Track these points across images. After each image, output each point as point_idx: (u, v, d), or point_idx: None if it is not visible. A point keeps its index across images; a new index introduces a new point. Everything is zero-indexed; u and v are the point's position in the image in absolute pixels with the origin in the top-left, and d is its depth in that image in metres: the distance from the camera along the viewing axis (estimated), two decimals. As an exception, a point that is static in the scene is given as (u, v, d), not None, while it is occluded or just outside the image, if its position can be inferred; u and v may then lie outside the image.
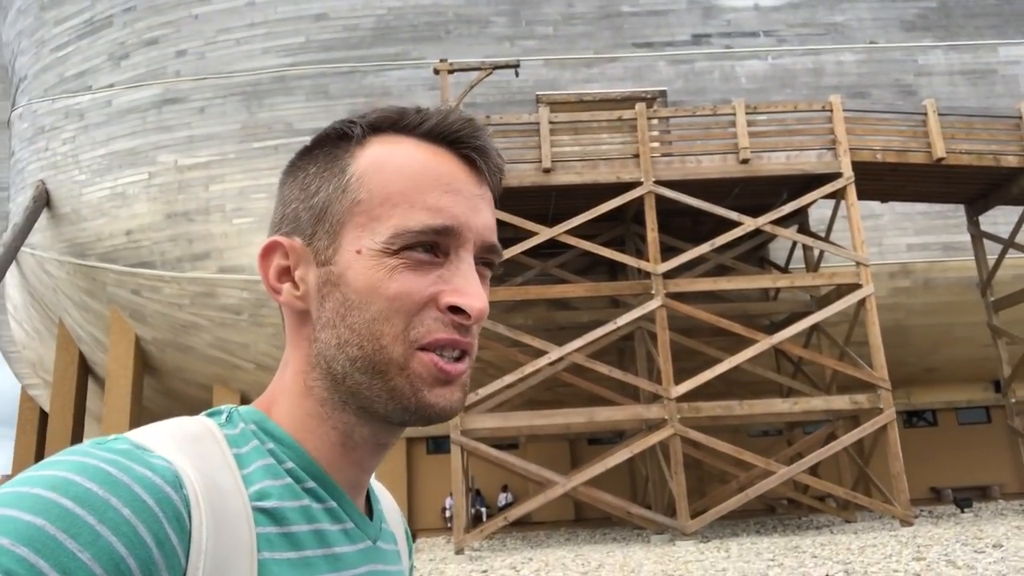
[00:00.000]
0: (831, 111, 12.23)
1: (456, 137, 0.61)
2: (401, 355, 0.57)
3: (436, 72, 12.22)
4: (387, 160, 0.59)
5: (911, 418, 18.66)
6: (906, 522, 10.85)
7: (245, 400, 17.31)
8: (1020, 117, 12.42)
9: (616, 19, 16.75)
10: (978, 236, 13.63)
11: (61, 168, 17.16)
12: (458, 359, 0.59)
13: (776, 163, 12.22)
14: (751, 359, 13.47)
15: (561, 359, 11.81)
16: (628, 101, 15.20)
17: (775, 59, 16.49)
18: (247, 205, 15.78)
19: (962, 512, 13.39)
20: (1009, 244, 12.77)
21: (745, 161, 12.12)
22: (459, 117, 0.62)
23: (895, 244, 15.60)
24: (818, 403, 11.45)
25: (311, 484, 0.58)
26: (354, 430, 0.60)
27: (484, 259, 0.62)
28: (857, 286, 11.73)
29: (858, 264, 11.77)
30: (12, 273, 18.87)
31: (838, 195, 12.21)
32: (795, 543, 10.06)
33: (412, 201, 0.58)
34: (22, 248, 17.09)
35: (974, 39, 16.68)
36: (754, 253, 15.33)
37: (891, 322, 15.90)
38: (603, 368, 11.40)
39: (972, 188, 13.30)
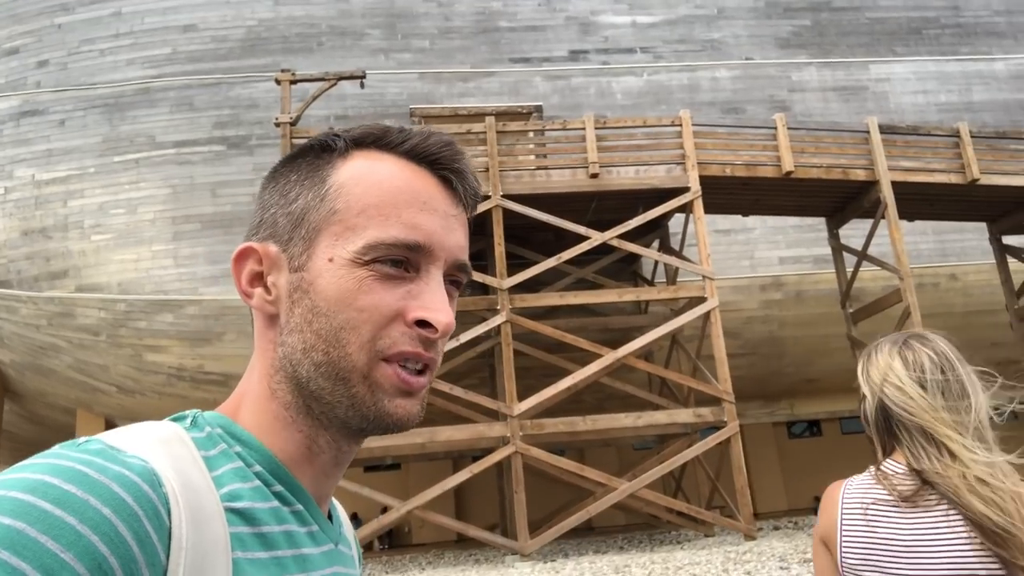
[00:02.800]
0: (680, 126, 12.20)
1: (436, 158, 0.63)
2: (365, 364, 0.59)
3: (277, 83, 11.88)
4: (367, 174, 0.62)
5: (795, 428, 18.75)
6: (749, 536, 10.73)
7: (110, 425, 16.59)
8: (867, 132, 12.54)
9: (494, 34, 16.64)
10: (837, 249, 13.73)
11: (-86, 182, 16.31)
12: (420, 372, 0.61)
13: (625, 178, 12.13)
14: (614, 375, 13.36)
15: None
16: (503, 116, 15.05)
17: (651, 75, 16.53)
18: (106, 221, 15.17)
19: (822, 526, 13.35)
20: (862, 256, 12.85)
21: (595, 176, 12.00)
22: (440, 139, 0.64)
23: (767, 257, 15.67)
24: (661, 417, 11.31)
25: (279, 487, 0.59)
26: (318, 435, 0.61)
27: (453, 277, 0.64)
28: (703, 299, 11.64)
29: (704, 278, 11.69)
30: None
31: (686, 209, 12.15)
32: (629, 561, 9.84)
33: (388, 215, 0.60)
34: None
35: (846, 56, 16.96)
36: (627, 267, 15.26)
37: (764, 334, 15.97)
38: (445, 387, 11.09)
39: (827, 202, 13.40)
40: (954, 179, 12.50)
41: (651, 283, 14.64)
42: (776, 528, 13.69)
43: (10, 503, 0.44)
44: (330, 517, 0.67)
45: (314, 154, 0.64)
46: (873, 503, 1.50)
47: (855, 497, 1.53)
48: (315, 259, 0.60)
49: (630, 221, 11.84)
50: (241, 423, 0.61)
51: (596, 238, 11.71)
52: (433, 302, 0.60)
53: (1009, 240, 14.09)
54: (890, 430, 1.54)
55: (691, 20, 16.94)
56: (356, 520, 16.77)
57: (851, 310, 13.48)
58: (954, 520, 1.42)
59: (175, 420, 0.60)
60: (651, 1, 17.04)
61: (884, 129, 12.63)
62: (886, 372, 1.55)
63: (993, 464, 1.44)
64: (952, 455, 1.45)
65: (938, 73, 16.83)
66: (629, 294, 11.89)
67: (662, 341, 13.74)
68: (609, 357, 11.22)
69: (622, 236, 12.50)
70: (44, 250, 15.30)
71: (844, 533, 1.52)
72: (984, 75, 16.89)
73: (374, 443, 11.03)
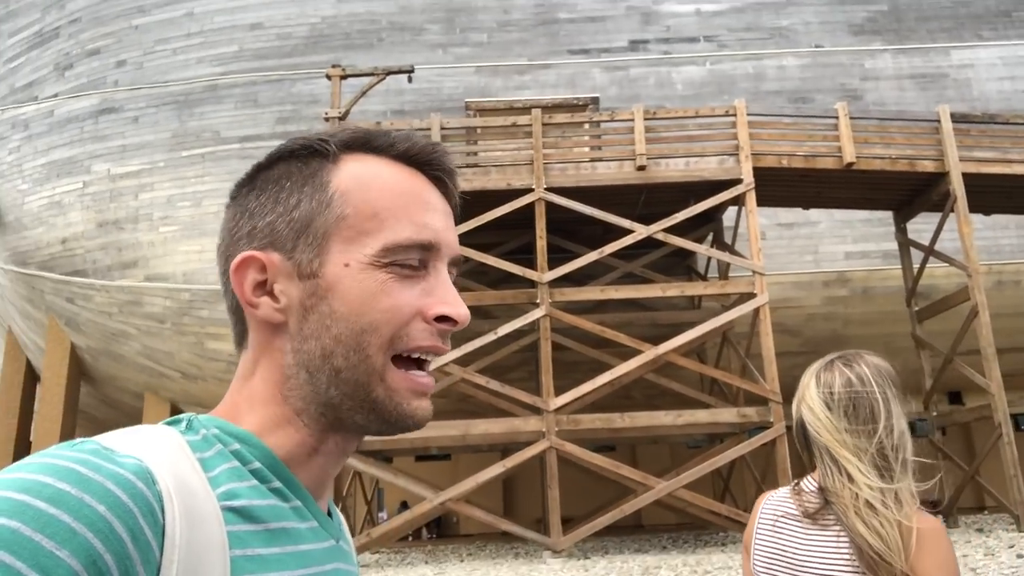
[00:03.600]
0: (735, 116, 11.72)
1: (427, 160, 0.65)
2: (381, 366, 0.60)
3: (328, 78, 12.06)
4: (370, 178, 0.63)
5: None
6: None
7: (176, 410, 17.28)
8: (938, 120, 11.74)
9: (552, 26, 16.45)
10: (905, 244, 12.92)
11: (7, 177, 17.44)
12: (420, 367, 0.62)
13: (674, 170, 11.74)
14: (664, 372, 12.98)
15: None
16: (559, 109, 14.85)
17: (713, 64, 15.98)
18: (173, 213, 15.80)
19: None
20: (929, 252, 12.05)
21: (642, 168, 11.67)
22: (427, 142, 0.66)
23: (832, 252, 14.90)
24: (703, 416, 10.89)
25: (277, 484, 0.59)
26: (327, 439, 0.62)
27: (449, 271, 0.66)
28: (752, 295, 11.14)
29: (753, 273, 11.19)
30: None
31: (739, 201, 11.66)
32: (661, 562, 9.51)
33: (399, 217, 0.62)
34: (-32, 256, 17.39)
35: (925, 42, 15.95)
36: (680, 262, 14.81)
37: (827, 332, 15.19)
38: (481, 380, 11.01)
39: (894, 195, 12.62)
40: (1036, 170, 11.54)
41: (704, 278, 14.15)
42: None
43: (5, 503, 0.45)
44: (329, 514, 0.66)
45: (301, 159, 0.64)
46: (783, 516, 1.58)
47: (770, 509, 1.61)
48: (329, 265, 0.61)
49: (677, 214, 11.45)
50: (243, 425, 0.61)
51: (640, 231, 11.39)
52: (448, 296, 0.62)
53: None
54: (808, 448, 1.59)
55: (758, 7, 16.29)
56: (404, 506, 16.93)
57: (917, 308, 12.65)
58: (843, 540, 1.48)
59: (170, 424, 0.60)
60: (716, -12, 16.48)
61: (957, 118, 11.78)
62: (803, 392, 1.61)
63: (886, 490, 1.45)
64: (850, 477, 1.48)
65: (1029, 58, 15.61)
66: (672, 289, 11.51)
67: (714, 338, 13.28)
68: (650, 353, 10.90)
69: (672, 229, 12.12)
70: (117, 241, 16.07)
71: (756, 542, 1.60)
72: (1082, 60, 15.56)
73: (415, 435, 11.05)
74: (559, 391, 11.21)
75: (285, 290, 0.61)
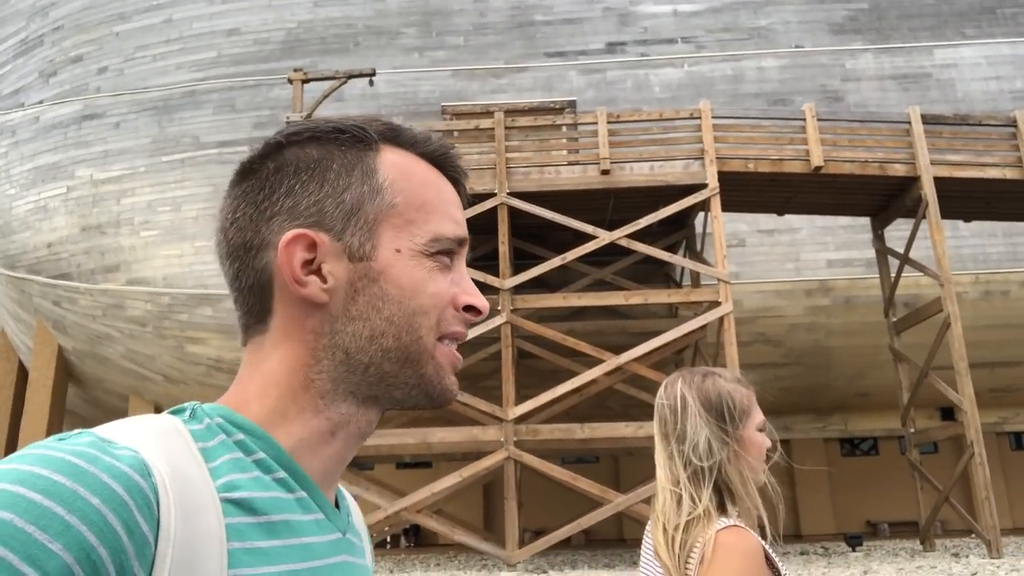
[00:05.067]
0: (699, 119, 11.56)
1: (444, 160, 0.68)
2: (432, 345, 0.63)
3: (290, 82, 12.05)
4: (412, 171, 0.66)
5: (846, 446, 17.53)
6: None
7: (159, 410, 17.35)
8: (909, 123, 11.50)
9: (528, 28, 16.33)
10: (882, 252, 12.68)
11: (-5, 182, 17.63)
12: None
13: (638, 174, 11.60)
14: (636, 383, 12.84)
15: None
16: (534, 112, 14.74)
17: (691, 66, 15.79)
18: (154, 218, 15.89)
19: (853, 551, 12.38)
20: (904, 260, 11.81)
21: (606, 172, 11.54)
22: (444, 142, 0.69)
23: (814, 259, 14.66)
24: (663, 428, 10.72)
25: (282, 474, 0.59)
26: (350, 420, 0.63)
27: None
28: (717, 303, 10.98)
29: (719, 281, 11.03)
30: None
31: (704, 207, 11.50)
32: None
33: (441, 212, 0.65)
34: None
35: (908, 41, 15.66)
36: (659, 269, 14.66)
37: (809, 343, 14.99)
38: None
39: (869, 200, 12.39)
40: (1010, 174, 11.29)
41: (680, 285, 13.99)
42: (802, 553, 12.80)
43: None
44: (337, 506, 0.66)
45: (340, 143, 0.65)
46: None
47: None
48: (381, 249, 0.62)
49: (640, 220, 11.31)
50: (249, 413, 0.60)
51: (604, 237, 11.26)
52: (472, 288, 0.66)
53: (1085, 242, 12.60)
54: None
55: (737, 7, 16.07)
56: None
57: (894, 319, 12.42)
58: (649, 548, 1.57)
59: (174, 412, 0.59)
60: (695, -11, 16.27)
61: (928, 119, 11.54)
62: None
63: (683, 500, 1.48)
64: (661, 491, 1.55)
65: (1014, 57, 15.28)
66: (636, 296, 11.37)
67: (680, 347, 13.13)
68: (611, 362, 10.77)
69: (644, 236, 11.99)
70: (99, 245, 16.19)
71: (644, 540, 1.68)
72: (1070, 58, 15.20)
73: (371, 443, 11.01)
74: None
75: (333, 270, 0.62)
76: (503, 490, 11.04)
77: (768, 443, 1.59)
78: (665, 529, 1.48)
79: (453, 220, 0.66)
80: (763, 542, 1.46)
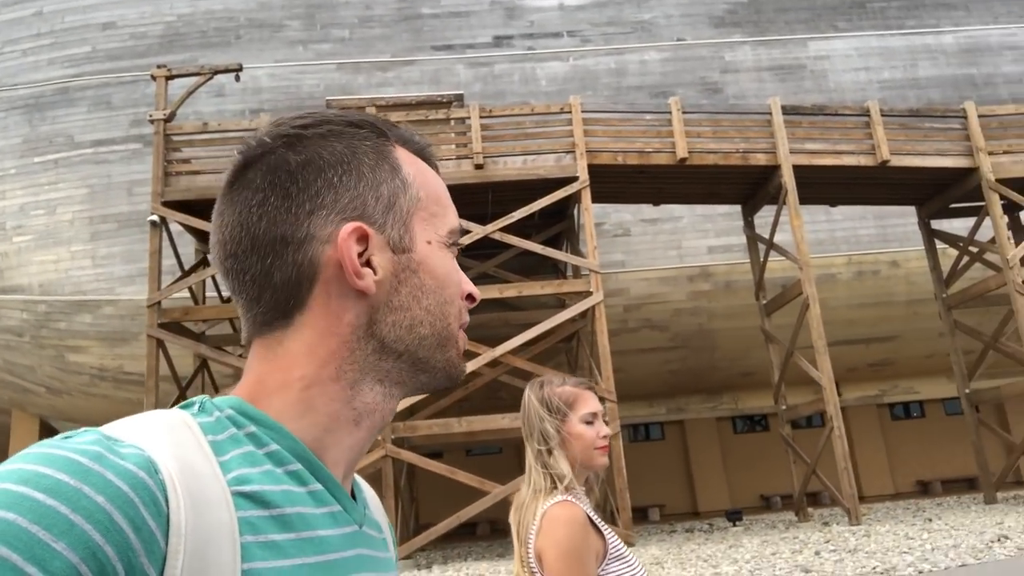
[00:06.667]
0: (570, 113, 11.72)
1: (429, 155, 0.71)
2: (456, 330, 0.66)
3: (153, 79, 11.69)
4: (422, 167, 0.68)
5: (738, 423, 18.15)
6: (627, 542, 10.30)
7: (44, 425, 16.75)
8: (770, 114, 11.91)
9: (415, 21, 16.25)
10: (752, 238, 13.12)
11: None
12: None
13: (511, 168, 11.70)
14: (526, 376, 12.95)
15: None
16: (422, 106, 14.68)
17: (577, 60, 15.99)
18: (27, 222, 15.21)
19: (733, 526, 12.85)
20: (770, 245, 12.25)
21: (479, 166, 11.60)
22: (424, 137, 0.71)
23: (695, 246, 15.09)
24: (537, 419, 10.89)
25: (295, 466, 0.58)
26: (376, 409, 0.63)
27: None
28: (588, 293, 11.19)
29: (589, 271, 11.24)
30: None
31: (575, 199, 11.69)
32: (496, 568, 9.53)
33: (449, 206, 0.69)
34: None
35: (784, 34, 16.20)
36: (547, 261, 14.81)
37: (694, 327, 15.42)
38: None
39: (736, 189, 12.80)
40: (864, 161, 11.81)
41: (565, 276, 14.19)
42: (688, 531, 13.21)
43: (2, 494, 0.44)
44: (354, 497, 0.65)
45: (364, 138, 0.65)
46: None
47: None
48: (417, 242, 0.64)
49: (513, 214, 11.41)
50: (268, 406, 0.59)
51: (477, 231, 11.32)
52: (467, 278, 0.68)
53: (940, 225, 13.31)
54: None
55: (620, 1, 16.33)
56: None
57: (764, 302, 12.88)
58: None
59: (184, 407, 0.59)
60: (580, -18, 16.46)
61: (788, 110, 11.98)
62: None
63: (534, 481, 1.77)
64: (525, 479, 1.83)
65: (882, 49, 15.97)
66: (511, 290, 11.49)
67: (572, 337, 13.36)
68: (488, 355, 10.87)
69: (524, 229, 12.11)
70: (-32, 252, 15.42)
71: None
72: (932, 49, 15.99)
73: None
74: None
75: (380, 262, 0.63)
76: (390, 487, 11.05)
77: (595, 433, 1.84)
78: (520, 512, 1.76)
79: (455, 213, 0.69)
80: (589, 511, 1.72)
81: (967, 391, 12.37)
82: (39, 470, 0.46)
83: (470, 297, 0.69)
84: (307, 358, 0.61)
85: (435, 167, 0.71)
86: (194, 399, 0.60)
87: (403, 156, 0.67)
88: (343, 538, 0.60)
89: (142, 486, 0.48)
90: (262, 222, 0.63)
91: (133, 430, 0.53)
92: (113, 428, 0.53)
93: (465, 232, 0.93)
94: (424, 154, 0.70)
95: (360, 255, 0.62)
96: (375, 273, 0.62)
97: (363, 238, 0.62)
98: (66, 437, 0.50)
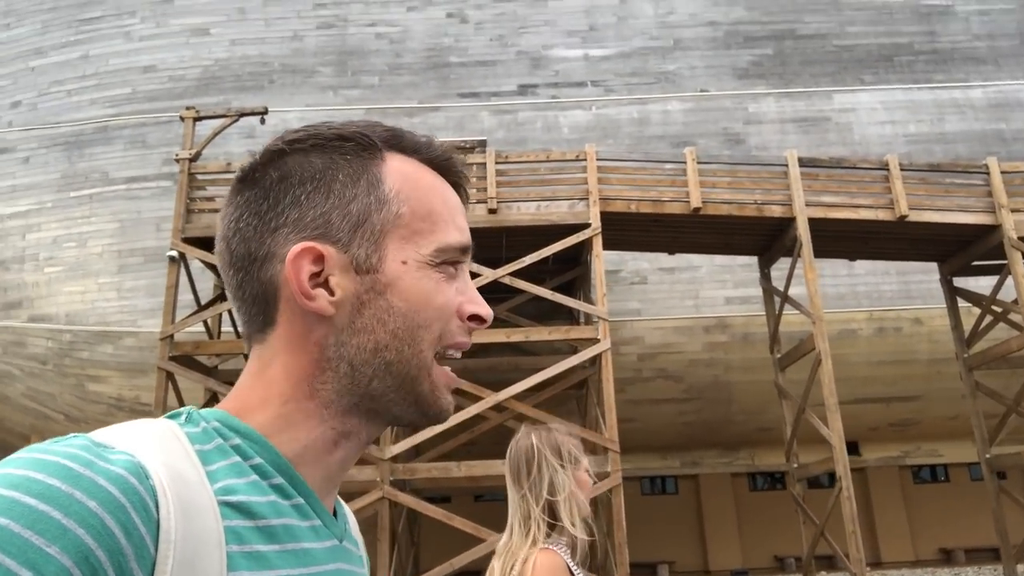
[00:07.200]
0: (585, 160, 11.79)
1: (448, 165, 0.68)
2: (430, 362, 0.62)
3: (181, 119, 12.10)
4: (417, 178, 0.65)
5: (756, 480, 17.63)
6: (625, 599, 10.01)
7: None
8: (786, 165, 11.83)
9: (443, 69, 16.62)
10: (768, 290, 12.93)
11: (-98, 216, 17.35)
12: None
13: (524, 213, 11.77)
14: (533, 422, 12.83)
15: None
16: (445, 150, 14.91)
17: (599, 109, 16.15)
18: (59, 254, 15.72)
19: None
20: (784, 299, 12.05)
21: (493, 211, 11.70)
22: (447, 147, 0.69)
23: (713, 297, 14.91)
24: (538, 466, 10.74)
25: (278, 480, 0.58)
26: (352, 432, 0.62)
27: None
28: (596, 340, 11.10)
29: (598, 319, 11.16)
30: None
31: (587, 246, 11.68)
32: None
33: (447, 220, 0.65)
34: None
35: (809, 86, 16.17)
36: (563, 307, 14.76)
37: (709, 378, 15.16)
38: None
39: (753, 240, 12.66)
40: (882, 215, 11.62)
41: (578, 322, 14.11)
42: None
43: None
44: (335, 514, 0.65)
45: (344, 152, 0.64)
46: None
47: None
48: (388, 261, 0.62)
49: (524, 259, 11.44)
50: (251, 420, 0.60)
51: (488, 275, 11.36)
52: (476, 297, 0.66)
53: (963, 283, 12.97)
54: None
55: (645, 52, 16.51)
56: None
57: (779, 356, 12.63)
58: None
59: (170, 417, 0.59)
60: (605, 34, 16.72)
61: (805, 162, 11.88)
62: None
63: (518, 539, 1.77)
64: (508, 528, 1.87)
65: (908, 102, 15.83)
66: (518, 334, 11.46)
67: (583, 383, 13.23)
68: (490, 399, 10.80)
69: (538, 275, 12.12)
70: (3, 281, 15.94)
71: None
72: (959, 104, 15.79)
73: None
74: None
75: (340, 283, 0.61)
76: (385, 530, 10.94)
77: (591, 482, 1.92)
78: (503, 558, 1.77)
79: (458, 228, 0.66)
80: (568, 561, 1.74)
81: (987, 456, 11.87)
82: (30, 475, 0.46)
83: (475, 318, 0.65)
84: (283, 375, 0.62)
85: (455, 177, 0.68)
86: (181, 409, 0.60)
87: (394, 169, 0.65)
88: (326, 551, 0.60)
89: (133, 491, 0.48)
90: (235, 238, 0.64)
91: (122, 437, 0.53)
92: (102, 434, 0.53)
93: (466, 248, 0.63)
94: (437, 164, 0.68)
95: (317, 275, 0.61)
96: (331, 294, 0.61)
97: (319, 258, 0.61)
98: (55, 442, 0.50)
